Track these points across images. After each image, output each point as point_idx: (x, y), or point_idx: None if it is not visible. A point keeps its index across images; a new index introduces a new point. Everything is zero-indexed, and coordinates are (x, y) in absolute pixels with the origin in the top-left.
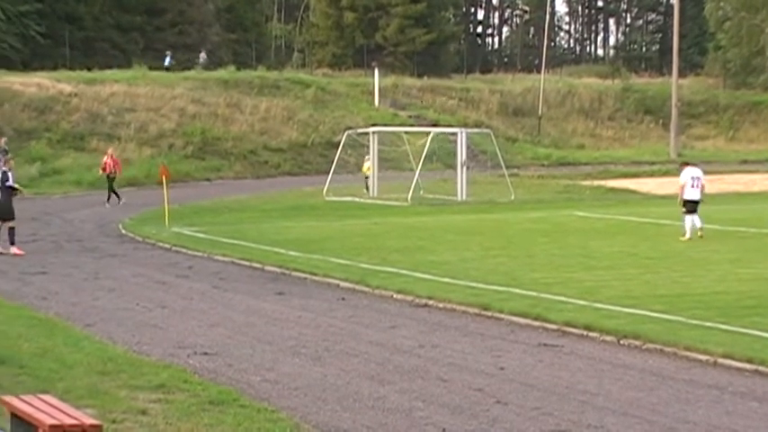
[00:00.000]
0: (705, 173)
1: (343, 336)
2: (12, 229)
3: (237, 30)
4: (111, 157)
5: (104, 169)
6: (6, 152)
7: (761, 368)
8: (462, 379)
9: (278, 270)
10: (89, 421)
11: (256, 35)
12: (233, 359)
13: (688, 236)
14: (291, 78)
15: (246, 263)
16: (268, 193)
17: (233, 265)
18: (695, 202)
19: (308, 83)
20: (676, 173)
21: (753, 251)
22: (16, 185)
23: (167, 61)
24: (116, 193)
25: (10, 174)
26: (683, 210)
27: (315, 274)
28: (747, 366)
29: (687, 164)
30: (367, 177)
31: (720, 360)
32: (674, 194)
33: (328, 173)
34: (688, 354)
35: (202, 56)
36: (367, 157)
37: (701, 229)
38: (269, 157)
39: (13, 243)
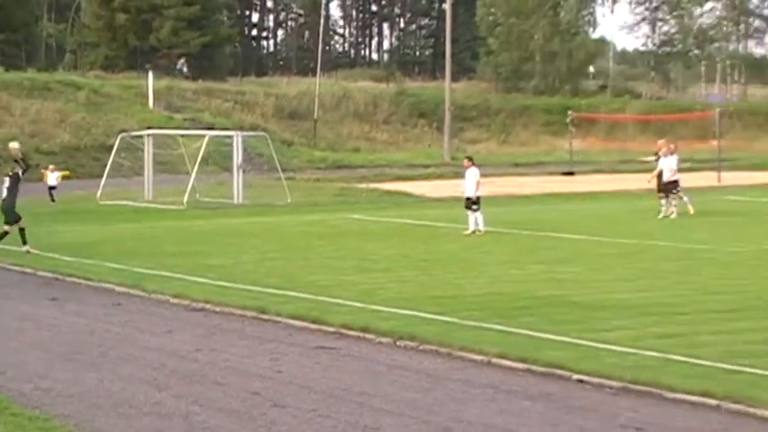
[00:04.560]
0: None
1: (119, 341)
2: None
3: (6, 30)
4: None
5: None
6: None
7: (533, 367)
8: (239, 382)
9: (51, 275)
10: None
11: (26, 35)
12: (4, 366)
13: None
14: (63, 80)
15: (18, 268)
16: (38, 196)
17: (3, 270)
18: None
19: (81, 85)
20: (450, 175)
21: (525, 252)
22: None
23: (179, 65)
24: None
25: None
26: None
27: (89, 279)
28: (520, 366)
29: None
30: (52, 187)
31: (494, 360)
32: (447, 197)
33: (102, 176)
34: (463, 354)
35: (183, 62)
36: (51, 166)
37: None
38: (40, 160)
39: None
